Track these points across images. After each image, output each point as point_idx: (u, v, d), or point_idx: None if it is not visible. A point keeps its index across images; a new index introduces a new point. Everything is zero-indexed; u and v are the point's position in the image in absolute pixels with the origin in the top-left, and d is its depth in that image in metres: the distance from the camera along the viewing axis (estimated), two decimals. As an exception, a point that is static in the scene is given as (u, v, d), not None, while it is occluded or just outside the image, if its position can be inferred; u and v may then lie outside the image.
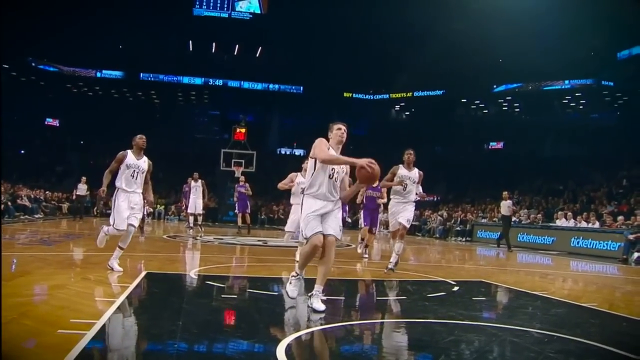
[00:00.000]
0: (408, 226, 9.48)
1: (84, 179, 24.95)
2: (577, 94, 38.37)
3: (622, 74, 34.69)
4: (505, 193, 19.63)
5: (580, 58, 35.17)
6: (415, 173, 9.37)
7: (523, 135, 38.72)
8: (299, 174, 10.30)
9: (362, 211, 13.26)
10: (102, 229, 8.05)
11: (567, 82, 37.69)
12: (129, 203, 7.86)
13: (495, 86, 40.27)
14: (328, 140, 5.93)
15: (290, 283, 5.93)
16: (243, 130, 31.11)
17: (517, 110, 42.31)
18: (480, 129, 41.65)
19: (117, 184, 7.90)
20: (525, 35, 32.98)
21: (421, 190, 9.50)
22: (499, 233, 21.21)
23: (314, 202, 5.82)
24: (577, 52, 34.33)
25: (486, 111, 43.85)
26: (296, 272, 5.97)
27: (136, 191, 7.97)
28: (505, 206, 19.18)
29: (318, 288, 5.65)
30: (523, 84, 39.19)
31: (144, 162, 8.12)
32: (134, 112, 41.67)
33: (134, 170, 7.94)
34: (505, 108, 42.48)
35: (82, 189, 24.95)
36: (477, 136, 41.76)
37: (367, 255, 12.54)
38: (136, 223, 8.02)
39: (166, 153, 33.30)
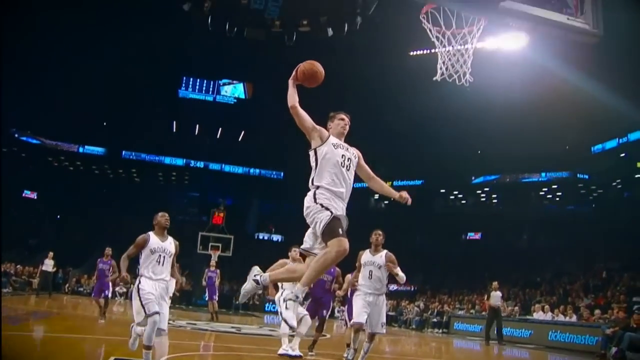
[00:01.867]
0: (384, 332, 8.45)
1: (50, 254, 23.34)
2: (553, 186, 39.14)
3: (597, 167, 35.83)
4: (495, 283, 19.25)
5: (556, 152, 36.32)
6: (382, 257, 8.24)
7: (500, 226, 38.86)
8: (288, 260, 9.11)
9: (346, 307, 10.59)
10: (132, 330, 6.93)
11: (543, 174, 38.47)
12: (156, 291, 6.76)
13: (473, 177, 40.91)
14: (327, 130, 5.37)
15: (287, 308, 4.92)
16: (221, 215, 31.12)
17: (495, 201, 42.74)
18: (458, 219, 41.84)
19: (141, 271, 6.88)
20: (503, 129, 33.91)
21: (399, 273, 8.16)
22: (481, 326, 20.64)
23: (337, 201, 5.00)
24: (553, 145, 35.48)
25: (464, 202, 44.28)
26: (296, 295, 4.86)
27: (164, 279, 6.93)
28: (497, 297, 18.76)
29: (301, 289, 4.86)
30: (501, 176, 39.86)
31: (170, 244, 7.16)
32: (114, 189, 41.58)
33: (160, 255, 6.97)
34: (483, 199, 42.96)
35: (48, 264, 23.36)
36: (455, 227, 41.84)
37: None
38: (165, 326, 6.90)
39: (143, 232, 32.89)
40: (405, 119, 36.60)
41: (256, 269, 5.35)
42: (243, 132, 43.60)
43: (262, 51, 27.04)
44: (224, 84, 41.18)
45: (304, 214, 4.99)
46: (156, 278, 6.82)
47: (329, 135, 5.26)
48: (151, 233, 7.13)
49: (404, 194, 5.63)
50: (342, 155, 5.18)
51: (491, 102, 31.43)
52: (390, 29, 24.96)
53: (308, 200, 4.99)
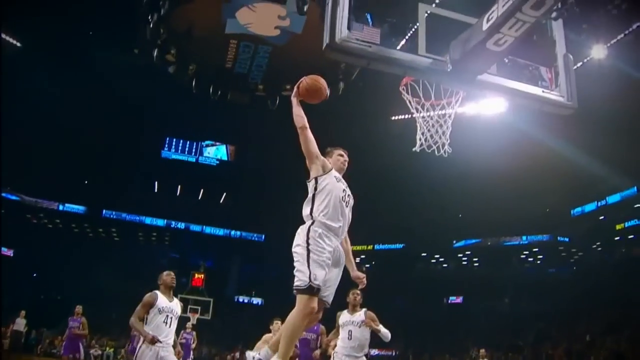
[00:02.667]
0: None
1: (22, 312, 22.12)
2: (534, 250, 39.41)
3: (577, 230, 36.38)
4: (482, 351, 18.64)
5: (536, 215, 36.85)
6: (360, 316, 7.79)
7: (482, 290, 38.76)
8: (270, 334, 8.35)
9: None
10: None
11: (524, 237, 38.71)
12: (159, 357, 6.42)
13: (455, 241, 41.04)
14: None
15: None
16: (201, 277, 30.76)
17: (477, 265, 42.78)
18: (439, 283, 41.60)
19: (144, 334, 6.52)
20: (483, 193, 34.46)
21: (382, 329, 7.76)
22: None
23: (327, 241, 4.74)
24: (533, 209, 36.06)
25: (446, 265, 44.26)
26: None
27: (169, 342, 6.58)
28: (483, 364, 18.04)
29: None
30: (482, 240, 40.04)
31: (177, 305, 6.90)
32: (93, 248, 40.89)
33: (167, 315, 6.61)
34: (465, 263, 43.01)
35: (19, 323, 22.25)
36: (436, 290, 41.54)
37: None
38: None
39: (122, 293, 32.27)
40: (387, 183, 36.83)
41: (250, 355, 4.83)
42: (225, 194, 43.59)
43: (246, 114, 27.19)
44: (207, 146, 41.39)
45: (292, 248, 4.78)
46: (162, 341, 6.43)
47: (332, 168, 5.04)
48: (158, 292, 6.82)
49: (361, 275, 5.38)
50: (344, 190, 4.98)
51: (472, 167, 31.79)
52: (373, 95, 25.23)
53: (299, 237, 4.75)
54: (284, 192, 38.86)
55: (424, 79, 5.89)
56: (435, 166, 33.33)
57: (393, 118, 30.69)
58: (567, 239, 37.73)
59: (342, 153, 5.27)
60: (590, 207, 35.67)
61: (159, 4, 13.71)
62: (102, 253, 40.29)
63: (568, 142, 28.01)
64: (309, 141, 4.88)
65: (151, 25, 14.28)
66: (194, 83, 16.54)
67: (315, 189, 4.91)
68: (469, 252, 41.71)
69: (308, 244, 4.67)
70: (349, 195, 5.02)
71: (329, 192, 4.87)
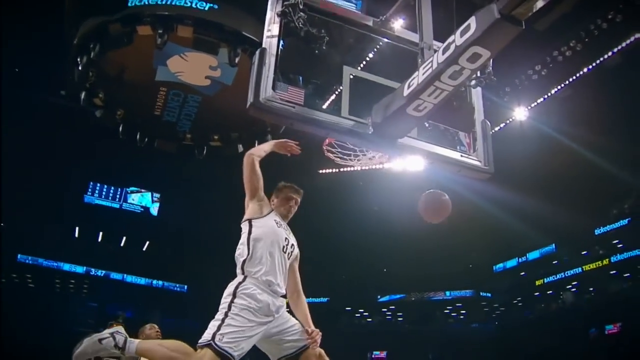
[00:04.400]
0: None
1: None
2: (457, 304, 40.13)
3: (498, 286, 37.56)
4: None
5: (460, 270, 37.84)
6: None
7: (406, 345, 38.65)
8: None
9: None
10: None
11: (448, 293, 39.54)
12: None
13: (379, 296, 41.42)
14: (270, 201, 4.73)
15: None
16: (119, 328, 29.52)
17: (401, 319, 42.91)
18: (364, 337, 41.37)
19: None
20: (408, 248, 35.42)
21: None
22: None
23: (259, 314, 4.13)
24: (457, 265, 37.06)
25: (370, 320, 44.11)
26: None
27: None
28: None
29: None
30: (406, 295, 40.59)
31: None
32: (6, 295, 38.70)
33: None
34: (389, 318, 43.12)
35: None
36: (360, 345, 41.29)
37: None
38: None
39: (34, 346, 30.77)
40: (312, 237, 36.81)
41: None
42: (148, 242, 42.48)
43: (172, 162, 27.02)
44: (132, 192, 40.49)
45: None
46: None
47: (272, 210, 4.60)
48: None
49: (317, 336, 4.46)
50: (285, 238, 4.45)
51: (397, 222, 32.23)
52: (301, 147, 25.14)
53: (225, 298, 4.18)
54: (209, 242, 38.59)
55: (346, 140, 5.98)
56: (360, 221, 34.14)
57: (320, 172, 31.02)
58: (489, 294, 38.62)
59: (293, 196, 4.78)
60: (511, 263, 36.99)
61: (89, 46, 13.39)
62: (14, 301, 38.17)
63: (490, 200, 29.14)
64: (254, 173, 4.51)
65: (80, 68, 13.89)
66: (121, 128, 16.26)
67: (249, 234, 4.36)
68: (393, 307, 41.88)
69: (230, 308, 4.10)
70: (292, 245, 4.49)
71: (267, 238, 4.33)
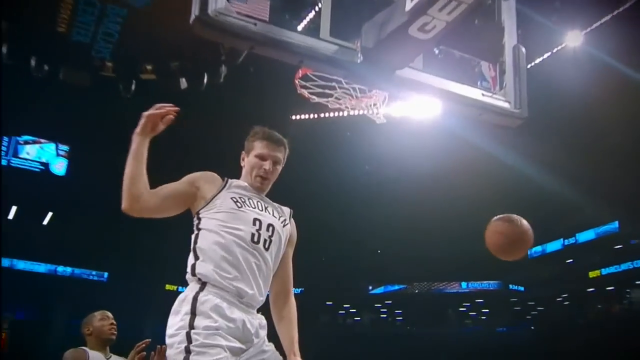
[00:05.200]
0: None
1: None
2: (477, 301, 41.36)
3: (535, 277, 38.39)
4: None
5: (481, 254, 35.18)
6: None
7: (407, 354, 38.17)
8: None
9: None
10: None
11: (464, 284, 40.90)
12: None
13: (371, 287, 42.88)
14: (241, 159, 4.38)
15: None
16: (4, 336, 29.16)
17: (400, 319, 44.29)
18: (349, 343, 41.58)
19: None
20: (412, 222, 36.41)
21: None
22: None
23: (222, 315, 3.71)
24: (477, 246, 35.50)
25: (359, 319, 45.55)
26: None
27: None
28: None
29: None
30: (408, 286, 41.99)
31: None
32: None
33: None
34: (384, 316, 44.68)
35: None
36: (344, 353, 41.42)
37: None
38: None
39: None
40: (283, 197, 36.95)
41: None
42: (51, 214, 42.22)
43: (86, 101, 26.88)
44: (26, 142, 39.68)
45: (166, 330, 3.75)
46: None
47: (228, 183, 4.19)
48: (87, 349, 6.03)
49: None
50: (256, 220, 4.03)
51: (395, 188, 33.64)
52: (269, 84, 25.44)
53: (176, 315, 3.75)
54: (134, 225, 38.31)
55: (326, 71, 5.87)
56: (346, 185, 34.82)
57: (293, 118, 31.14)
58: (521, 288, 39.32)
59: (265, 152, 4.27)
60: (554, 245, 37.00)
61: None
62: None
63: (525, 158, 29.27)
64: (160, 208, 3.97)
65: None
66: (5, 49, 15.69)
67: (198, 229, 4.02)
68: (389, 302, 42.94)
69: (190, 339, 3.60)
70: (271, 227, 4.07)
71: (223, 226, 3.94)
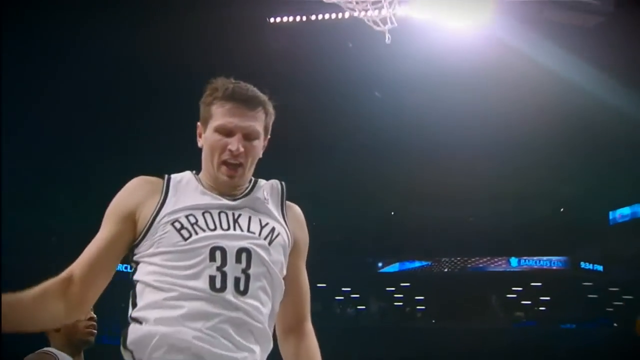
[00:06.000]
0: None
1: None
2: (533, 284, 40.94)
3: (620, 252, 38.11)
4: None
5: (539, 218, 38.56)
6: None
7: (431, 356, 38.84)
8: None
9: None
10: None
11: (513, 260, 40.11)
12: None
13: (381, 263, 42.51)
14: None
15: None
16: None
17: (421, 309, 44.42)
18: (350, 340, 41.54)
19: None
20: (438, 173, 35.43)
21: None
22: None
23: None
24: (532, 206, 38.12)
25: (362, 308, 45.32)
26: None
27: None
28: None
29: None
30: (432, 262, 41.71)
31: None
32: None
33: None
34: (399, 304, 44.74)
35: None
36: (344, 354, 41.95)
37: None
38: None
39: None
40: None
41: None
42: None
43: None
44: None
45: None
46: None
47: (169, 187, 3.61)
48: (54, 350, 5.71)
49: None
50: (215, 251, 3.41)
51: (415, 123, 33.51)
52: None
53: None
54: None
55: None
56: (347, 117, 34.59)
57: (271, 21, 30.91)
58: (599, 267, 38.98)
59: (226, 122, 3.51)
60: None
61: None
62: None
63: (602, 82, 28.46)
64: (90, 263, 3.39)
65: None
66: None
67: (133, 280, 3.54)
68: (406, 285, 42.84)
69: None
70: (245, 252, 3.42)
71: (166, 274, 3.42)
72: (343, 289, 44.67)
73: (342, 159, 36.77)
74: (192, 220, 3.39)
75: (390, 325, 41.74)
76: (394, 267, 41.97)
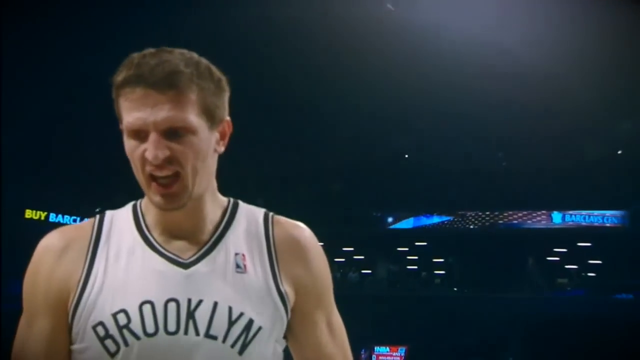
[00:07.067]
0: None
1: None
2: (582, 244, 40.34)
3: None
4: None
5: (587, 162, 37.79)
6: None
7: (452, 333, 37.57)
8: None
9: None
10: None
11: (557, 215, 39.90)
12: None
13: (391, 218, 43.00)
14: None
15: None
16: None
17: (441, 274, 44.15)
18: (355, 315, 39.54)
19: None
20: (465, 106, 35.07)
21: None
22: None
23: None
24: (580, 146, 36.92)
25: (368, 272, 45.64)
26: None
27: None
28: None
29: None
30: (455, 217, 42.44)
31: None
32: None
33: None
34: (414, 268, 44.97)
35: None
36: (348, 331, 42.07)
37: None
38: None
39: None
40: (236, 76, 35.03)
41: None
42: None
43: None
44: None
45: None
46: None
47: (97, 247, 2.59)
48: None
49: None
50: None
51: (437, 42, 31.28)
52: None
53: None
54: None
55: None
56: (352, 21, 31.60)
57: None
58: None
59: (133, 118, 2.40)
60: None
61: None
62: None
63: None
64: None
65: None
66: None
67: None
68: (422, 244, 43.01)
69: None
70: (213, 343, 2.40)
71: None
72: (344, 248, 42.54)
73: (345, 85, 33.74)
74: (122, 320, 2.54)
75: (402, 294, 40.43)
76: (407, 223, 40.44)
